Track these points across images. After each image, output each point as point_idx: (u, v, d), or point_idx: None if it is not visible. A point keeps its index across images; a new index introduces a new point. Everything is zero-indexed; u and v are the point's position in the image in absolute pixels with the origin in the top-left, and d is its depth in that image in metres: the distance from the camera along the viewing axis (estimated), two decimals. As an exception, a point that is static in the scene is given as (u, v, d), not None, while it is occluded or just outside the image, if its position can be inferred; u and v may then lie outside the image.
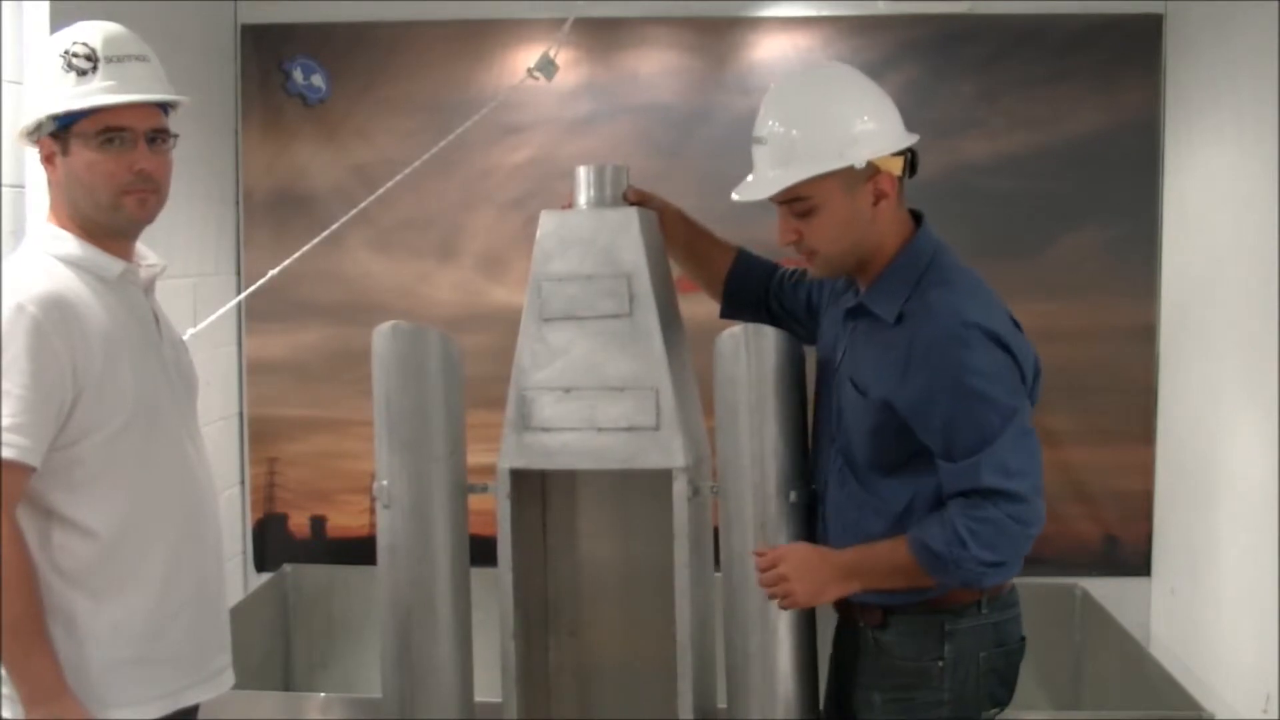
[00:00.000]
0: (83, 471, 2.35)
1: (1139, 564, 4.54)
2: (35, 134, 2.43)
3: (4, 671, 2.31)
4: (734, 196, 2.57)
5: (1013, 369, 2.43)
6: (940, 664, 2.55)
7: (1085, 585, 4.43)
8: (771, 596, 2.51)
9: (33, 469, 2.27)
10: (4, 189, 3.33)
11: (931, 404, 2.41)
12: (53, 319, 2.28)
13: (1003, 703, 2.63)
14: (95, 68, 2.40)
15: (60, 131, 2.39)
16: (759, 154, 2.56)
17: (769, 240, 4.39)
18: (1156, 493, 4.50)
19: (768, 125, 2.55)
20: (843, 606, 2.66)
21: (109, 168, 2.40)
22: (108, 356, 2.36)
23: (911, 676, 2.56)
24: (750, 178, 2.59)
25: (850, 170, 2.47)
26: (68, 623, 2.34)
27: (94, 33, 2.43)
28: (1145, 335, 4.50)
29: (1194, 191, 4.24)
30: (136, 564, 2.42)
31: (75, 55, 2.40)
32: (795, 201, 2.50)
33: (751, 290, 2.97)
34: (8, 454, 2.23)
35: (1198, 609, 4.13)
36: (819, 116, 2.51)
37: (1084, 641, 4.36)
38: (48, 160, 2.42)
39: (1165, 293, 4.46)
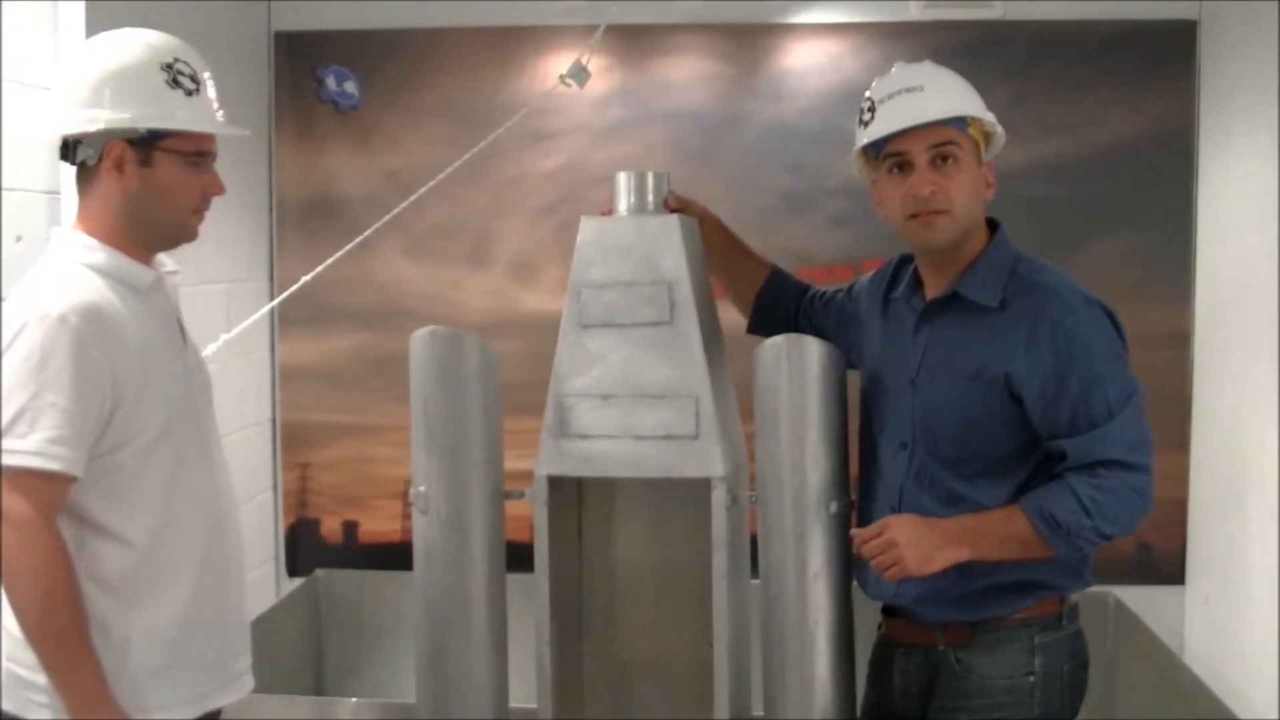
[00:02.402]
0: (118, 480, 2.36)
1: (1173, 573, 4.52)
2: (101, 139, 2.38)
3: (44, 679, 2.33)
4: (885, 131, 2.56)
5: (1123, 348, 2.52)
6: (1031, 679, 2.55)
7: (1118, 594, 4.40)
8: (879, 566, 2.48)
9: (75, 479, 2.29)
10: (39, 196, 3.37)
11: (1061, 379, 2.45)
12: (93, 330, 2.29)
13: (1076, 714, 2.65)
14: (199, 89, 2.45)
15: (144, 142, 2.39)
16: (906, 101, 2.56)
17: (800, 249, 4.48)
18: (1191, 501, 4.48)
19: (921, 76, 2.60)
20: (916, 630, 2.65)
21: (193, 187, 2.45)
22: (143, 367, 2.37)
23: (1002, 694, 2.55)
24: (881, 123, 2.58)
25: (978, 146, 2.59)
26: (102, 630, 2.36)
27: (184, 51, 2.46)
28: (1179, 342, 4.48)
29: (1228, 198, 4.22)
30: (168, 570, 2.44)
31: (181, 73, 2.42)
32: (943, 146, 2.54)
33: (783, 308, 3.00)
34: (53, 465, 2.25)
35: (1232, 618, 4.11)
36: (964, 82, 2.63)
37: (1117, 650, 4.34)
38: (116, 168, 2.39)
39: (1199, 299, 4.45)
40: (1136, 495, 2.44)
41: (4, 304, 2.37)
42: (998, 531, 2.47)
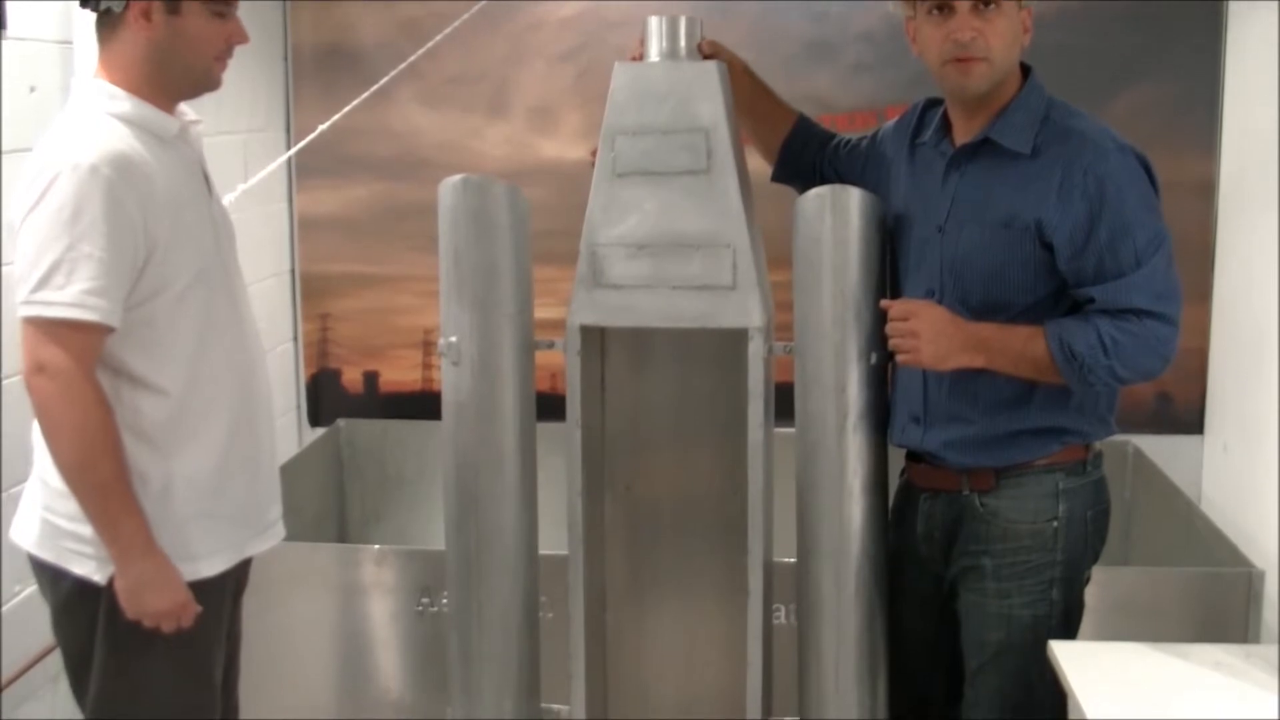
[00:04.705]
0: (151, 331, 2.38)
1: (1192, 421, 4.52)
2: None
3: (85, 530, 2.37)
4: None
5: (1156, 197, 2.51)
6: (1055, 524, 2.59)
7: (1137, 442, 4.42)
8: (895, 348, 2.52)
9: (112, 330, 2.30)
10: (51, 45, 3.33)
11: (1090, 227, 2.46)
12: (125, 180, 2.29)
13: (1098, 559, 2.69)
14: None
15: None
16: None
17: (823, 96, 4.41)
18: (1211, 351, 4.47)
19: None
20: (940, 475, 2.66)
21: (218, 35, 2.44)
22: (173, 216, 2.38)
23: (1026, 539, 2.59)
24: None
25: None
26: (141, 480, 2.39)
27: None
28: (1203, 193, 4.42)
29: (1256, 48, 4.14)
30: (203, 418, 2.47)
31: None
32: None
33: (808, 157, 2.96)
34: (91, 316, 2.26)
35: (1250, 467, 4.14)
36: None
37: (1135, 498, 4.38)
38: (144, 16, 2.37)
39: (1225, 150, 4.39)
40: (1158, 343, 2.46)
41: (31, 155, 2.36)
42: (1016, 348, 2.50)
